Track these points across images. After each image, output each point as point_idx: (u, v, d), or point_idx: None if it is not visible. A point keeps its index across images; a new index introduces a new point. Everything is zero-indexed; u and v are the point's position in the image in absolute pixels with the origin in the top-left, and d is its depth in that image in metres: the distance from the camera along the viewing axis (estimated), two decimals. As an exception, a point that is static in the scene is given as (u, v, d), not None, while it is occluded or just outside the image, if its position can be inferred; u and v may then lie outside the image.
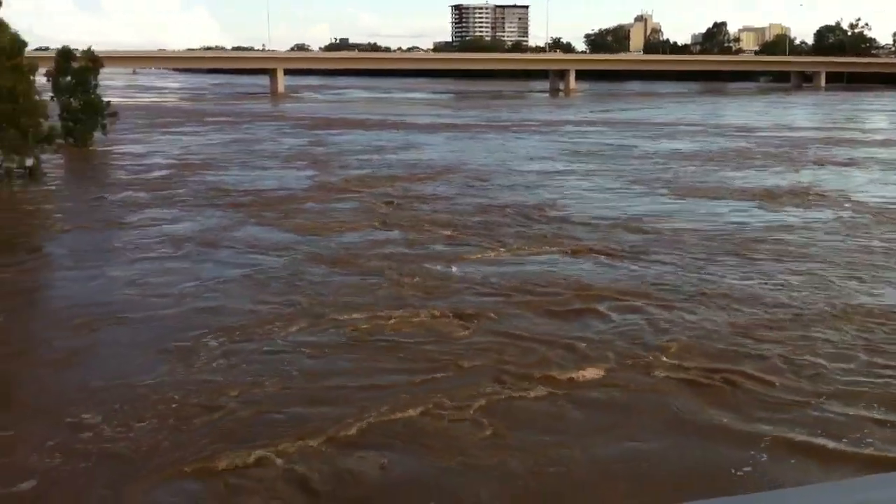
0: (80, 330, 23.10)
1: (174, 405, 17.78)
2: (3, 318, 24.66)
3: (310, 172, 55.58)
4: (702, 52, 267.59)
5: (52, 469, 15.17)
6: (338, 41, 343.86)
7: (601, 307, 25.04)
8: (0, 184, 49.19)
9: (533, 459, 15.63)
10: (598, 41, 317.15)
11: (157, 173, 55.69)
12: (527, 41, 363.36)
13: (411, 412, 17.50)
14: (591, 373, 19.80)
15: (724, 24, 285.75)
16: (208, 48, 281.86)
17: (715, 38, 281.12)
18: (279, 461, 15.43)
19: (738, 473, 15.04)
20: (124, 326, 23.44)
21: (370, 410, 17.47)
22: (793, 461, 15.62)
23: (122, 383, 18.95)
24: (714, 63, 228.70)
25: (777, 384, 18.98)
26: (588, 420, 17.51)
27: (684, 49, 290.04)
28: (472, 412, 17.55)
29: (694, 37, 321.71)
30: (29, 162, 50.08)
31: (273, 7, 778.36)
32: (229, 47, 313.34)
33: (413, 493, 14.78)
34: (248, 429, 16.74)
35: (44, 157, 52.00)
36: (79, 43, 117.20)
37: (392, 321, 23.77)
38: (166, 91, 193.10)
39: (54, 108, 63.35)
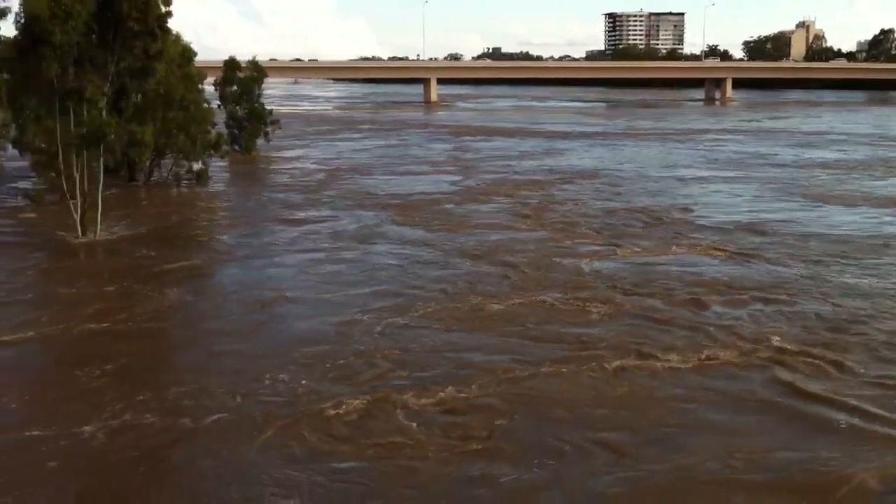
0: (255, 307, 27.50)
1: (340, 363, 21.74)
2: (190, 298, 29.01)
3: (456, 177, 58.33)
4: (867, 59, 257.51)
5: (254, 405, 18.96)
6: (490, 51, 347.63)
7: (722, 299, 27.39)
8: (170, 186, 54.21)
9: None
10: (757, 48, 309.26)
11: (313, 177, 59.89)
12: (682, 49, 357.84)
13: (546, 374, 20.83)
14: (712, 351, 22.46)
15: (891, 31, 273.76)
16: (366, 59, 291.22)
17: (881, 45, 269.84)
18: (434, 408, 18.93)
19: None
20: (293, 305, 27.77)
21: (507, 372, 20.80)
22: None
23: (293, 350, 22.88)
24: (879, 71, 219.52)
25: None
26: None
27: (849, 57, 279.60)
28: (607, 374, 20.93)
29: (860, 44, 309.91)
30: (197, 166, 54.76)
31: (427, 18, 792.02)
32: (385, 58, 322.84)
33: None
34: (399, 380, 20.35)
35: (211, 162, 56.60)
36: (242, 53, 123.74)
37: (526, 306, 26.88)
38: (324, 100, 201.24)
39: (220, 116, 68.18)
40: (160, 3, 38.36)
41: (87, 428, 17.80)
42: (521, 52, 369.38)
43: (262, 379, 20.64)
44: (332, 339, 23.67)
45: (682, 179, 56.66)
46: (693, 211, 43.99)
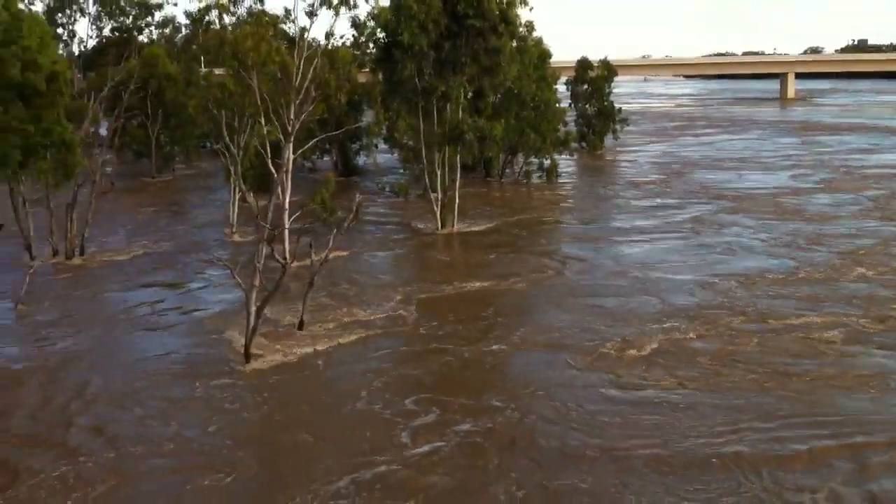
0: (618, 276, 31.87)
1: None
2: (556, 277, 31.22)
3: (799, 172, 56.38)
4: None
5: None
6: (855, 42, 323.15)
7: None
8: (521, 182, 56.59)
9: None
10: None
11: (655, 172, 60.32)
12: None
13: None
14: None
15: None
16: (718, 54, 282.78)
17: None
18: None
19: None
20: (652, 272, 31.97)
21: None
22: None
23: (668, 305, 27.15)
24: None
25: None
26: None
27: None
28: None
29: None
30: (546, 163, 56.80)
31: (784, 10, 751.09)
32: (739, 53, 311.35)
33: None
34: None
35: (560, 159, 58.48)
36: (595, 53, 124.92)
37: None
38: (672, 97, 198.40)
39: (571, 115, 70.00)
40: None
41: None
42: (893, 44, 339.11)
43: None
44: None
45: None
46: None
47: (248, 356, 23.00)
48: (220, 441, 18.34)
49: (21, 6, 33.50)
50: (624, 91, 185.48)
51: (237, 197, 41.07)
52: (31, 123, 30.82)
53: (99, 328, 26.88)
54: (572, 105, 74.03)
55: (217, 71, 52.69)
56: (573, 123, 70.38)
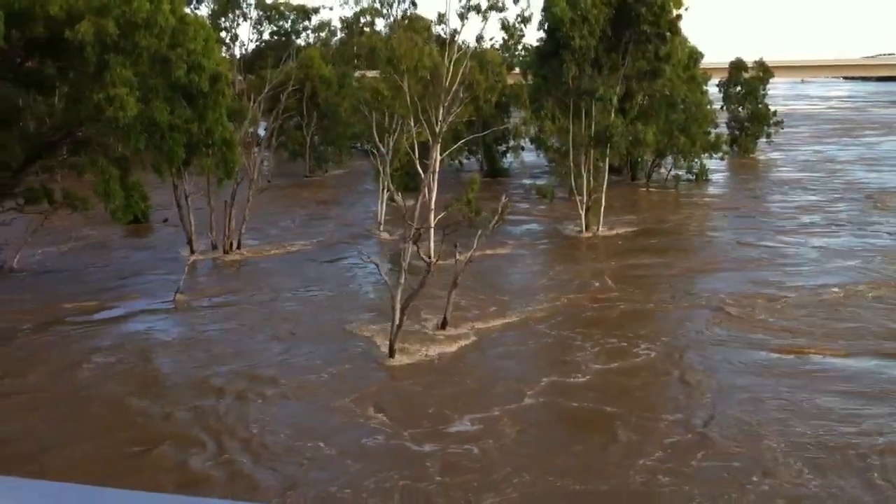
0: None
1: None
2: (667, 261, 30.57)
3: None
4: None
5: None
6: None
7: None
8: (669, 186, 55.62)
9: None
10: None
11: (806, 176, 58.28)
12: None
13: None
14: None
15: None
16: (879, 55, 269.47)
17: None
18: None
19: None
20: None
21: None
22: None
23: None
24: None
25: None
26: None
27: None
28: None
29: None
30: (696, 167, 55.65)
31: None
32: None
33: None
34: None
35: (709, 163, 57.21)
36: (750, 55, 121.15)
37: None
38: (828, 99, 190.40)
39: (722, 117, 68.28)
40: (673, 6, 39.77)
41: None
42: None
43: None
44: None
45: None
46: None
47: (392, 352, 23.61)
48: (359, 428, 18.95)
49: (187, 11, 35.23)
50: (779, 93, 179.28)
51: (385, 196, 42.04)
52: (195, 123, 32.38)
53: (248, 318, 28.13)
54: (724, 107, 72.14)
55: (368, 73, 54.12)
56: (724, 126, 68.55)
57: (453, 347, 24.56)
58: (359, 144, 64.31)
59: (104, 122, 30.19)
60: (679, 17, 40.54)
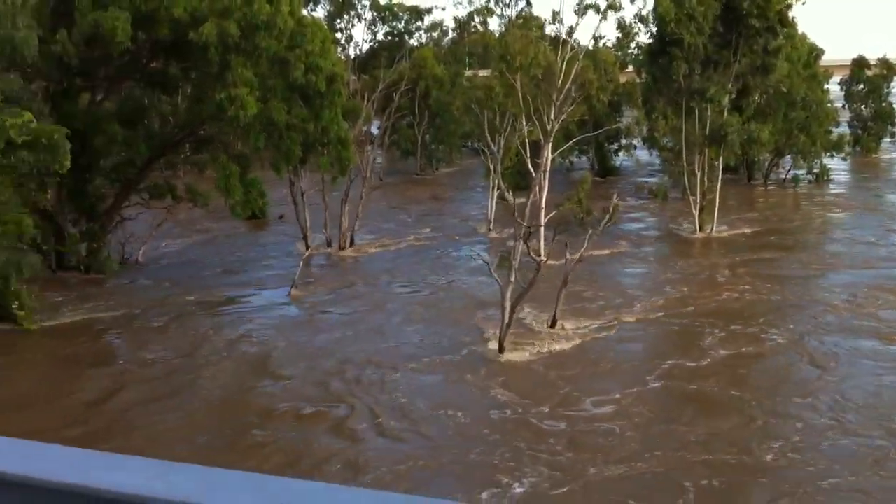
0: None
1: None
2: (788, 258, 29.61)
3: None
4: None
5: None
6: None
7: None
8: (788, 186, 54.10)
9: None
10: None
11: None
12: None
13: None
14: None
15: None
16: None
17: None
18: None
19: None
20: None
21: None
22: None
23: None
24: None
25: None
26: None
27: None
28: None
29: None
30: (816, 167, 53.99)
31: None
32: None
33: None
34: None
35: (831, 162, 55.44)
36: (872, 51, 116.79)
37: None
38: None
39: (844, 116, 66.00)
40: (778, -2, 38.66)
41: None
42: None
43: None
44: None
45: None
46: None
47: (501, 349, 23.74)
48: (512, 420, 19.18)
49: (304, 13, 36.09)
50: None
51: (496, 194, 42.17)
52: (311, 122, 33.17)
53: (359, 312, 28.72)
54: (846, 106, 69.73)
55: (480, 73, 54.37)
56: (845, 125, 66.27)
57: (564, 344, 24.55)
58: (469, 143, 64.74)
59: (225, 121, 31.23)
60: (789, 6, 39.29)
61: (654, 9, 39.60)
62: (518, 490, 16.42)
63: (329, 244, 38.94)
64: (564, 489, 16.40)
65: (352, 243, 39.21)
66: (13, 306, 26.37)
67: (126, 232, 35.50)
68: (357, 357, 24.07)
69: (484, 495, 16.15)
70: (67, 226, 33.85)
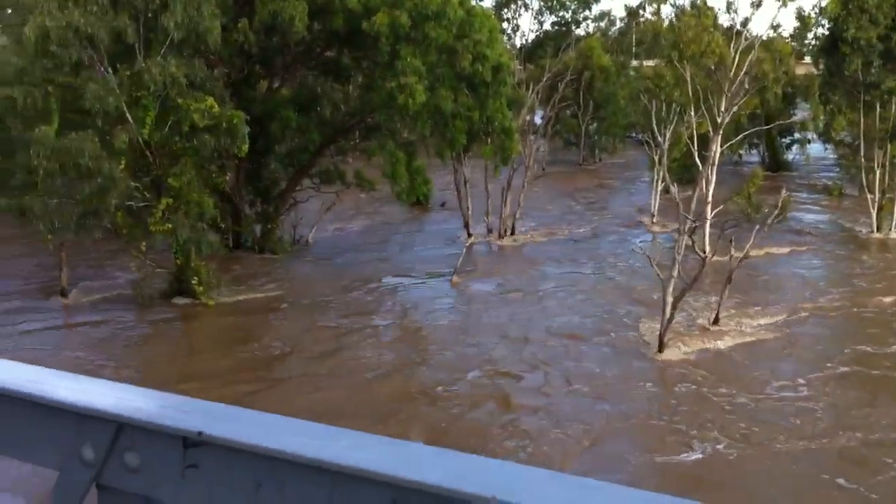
0: None
1: None
2: None
3: None
4: None
5: None
6: None
7: None
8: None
9: None
10: None
11: None
12: None
13: None
14: None
15: None
16: None
17: None
18: None
19: None
20: None
21: None
22: None
23: None
24: None
25: None
26: None
27: None
28: None
29: None
30: None
31: None
32: None
33: None
34: None
35: None
36: None
37: None
38: None
39: None
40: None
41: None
42: None
43: None
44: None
45: None
46: None
47: (661, 345, 23.40)
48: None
49: (472, 2, 36.44)
50: None
51: (660, 187, 41.44)
52: (476, 111, 33.50)
53: (519, 299, 28.94)
54: None
55: (646, 63, 53.44)
56: None
57: (728, 342, 24.00)
58: (633, 134, 63.77)
59: (394, 109, 31.97)
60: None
61: (823, 6, 38.04)
62: (709, 451, 17.68)
63: (490, 232, 39.28)
64: (751, 453, 17.58)
65: (513, 232, 39.41)
66: (192, 281, 27.98)
67: (297, 215, 36.95)
68: (524, 335, 24.70)
69: (683, 455, 17.60)
70: (244, 207, 35.56)
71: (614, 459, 17.51)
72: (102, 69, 26.39)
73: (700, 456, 17.62)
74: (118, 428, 1.41)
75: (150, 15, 26.95)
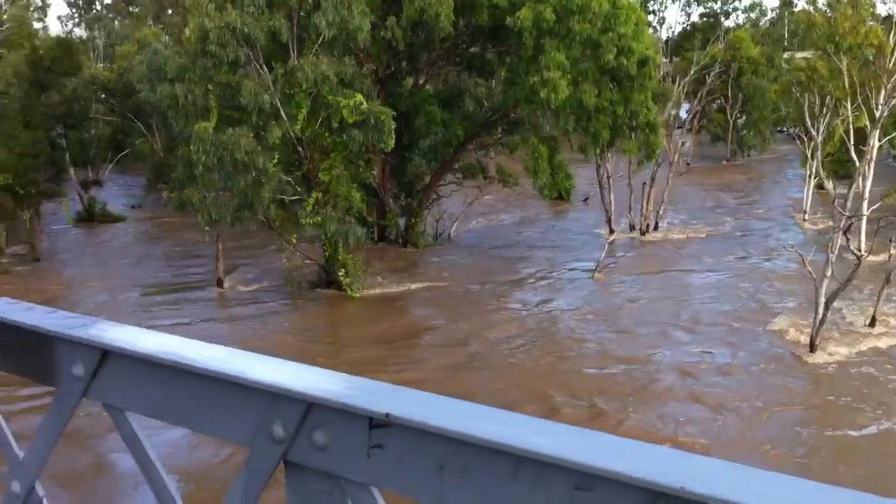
0: None
1: None
2: None
3: None
4: None
5: None
6: None
7: None
8: None
9: None
10: None
11: None
12: None
13: None
14: None
15: None
16: None
17: None
18: None
19: None
20: None
21: None
22: None
23: None
24: None
25: None
26: None
27: None
28: None
29: None
30: None
31: None
32: None
33: None
34: None
35: None
36: None
37: None
38: None
39: None
40: None
41: None
42: None
43: None
44: None
45: None
46: None
47: (812, 347, 22.64)
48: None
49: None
50: None
51: (813, 183, 39.99)
52: (620, 105, 33.11)
53: (660, 297, 28.50)
54: None
55: (798, 55, 51.57)
56: None
57: (885, 345, 23.02)
58: (784, 128, 61.71)
59: (537, 104, 31.96)
60: None
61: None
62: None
63: (632, 228, 38.80)
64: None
65: (656, 229, 38.82)
66: (339, 273, 28.81)
67: (440, 209, 37.46)
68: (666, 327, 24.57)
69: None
70: (389, 201, 36.31)
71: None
72: (258, 67, 27.47)
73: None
74: (308, 407, 1.47)
75: (303, 14, 27.87)
